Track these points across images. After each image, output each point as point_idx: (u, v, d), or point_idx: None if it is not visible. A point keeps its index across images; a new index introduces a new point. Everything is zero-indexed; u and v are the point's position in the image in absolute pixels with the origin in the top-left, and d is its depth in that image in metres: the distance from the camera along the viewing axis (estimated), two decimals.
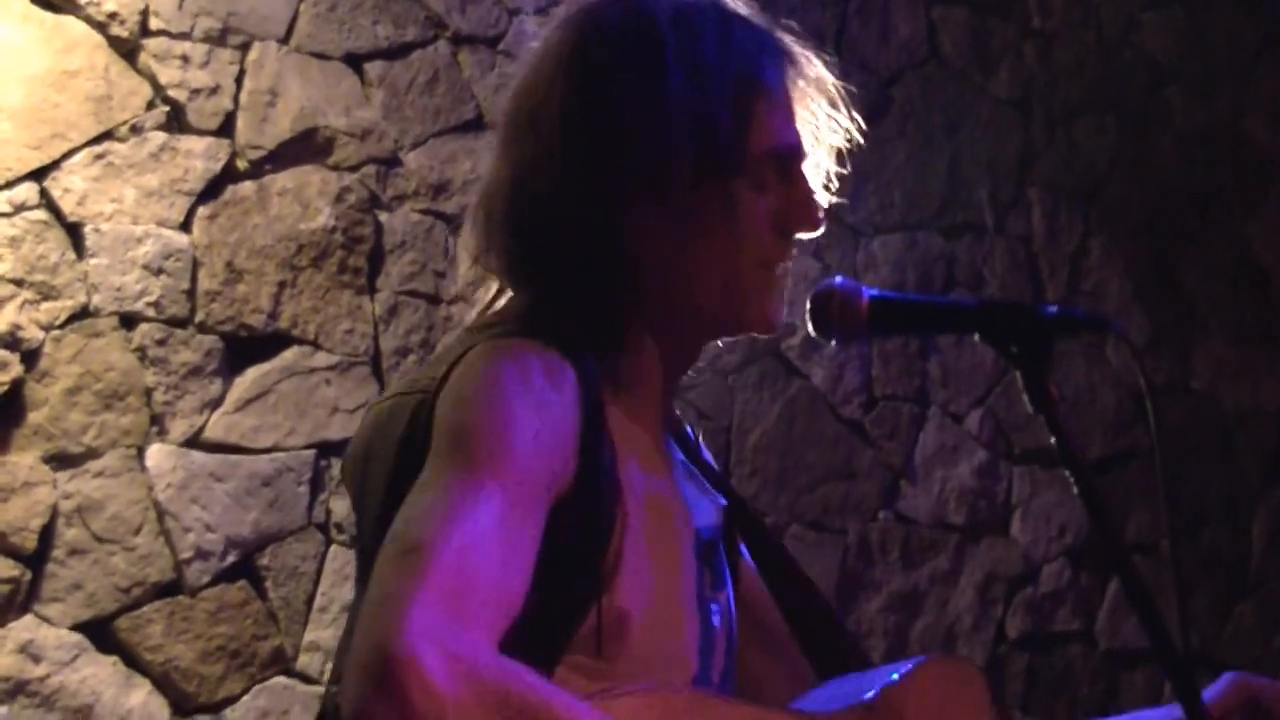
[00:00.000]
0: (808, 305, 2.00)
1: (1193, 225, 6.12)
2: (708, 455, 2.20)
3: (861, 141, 2.16)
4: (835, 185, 2.12)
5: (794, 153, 2.01)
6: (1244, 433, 6.09)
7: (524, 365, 1.79)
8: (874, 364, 5.28)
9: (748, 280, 1.97)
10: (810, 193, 2.03)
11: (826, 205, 2.07)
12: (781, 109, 2.01)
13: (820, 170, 2.09)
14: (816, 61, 2.10)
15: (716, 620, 2.01)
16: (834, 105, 2.10)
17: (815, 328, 2.01)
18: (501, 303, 2.02)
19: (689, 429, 2.19)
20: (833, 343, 2.06)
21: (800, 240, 2.03)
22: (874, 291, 2.00)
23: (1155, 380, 5.82)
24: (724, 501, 2.12)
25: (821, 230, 2.04)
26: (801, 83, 2.06)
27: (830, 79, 2.11)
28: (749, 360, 4.97)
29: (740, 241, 1.95)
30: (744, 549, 2.17)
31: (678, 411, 2.17)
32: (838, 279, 2.02)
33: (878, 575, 5.17)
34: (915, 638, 5.20)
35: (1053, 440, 1.92)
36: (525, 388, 1.76)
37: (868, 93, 5.42)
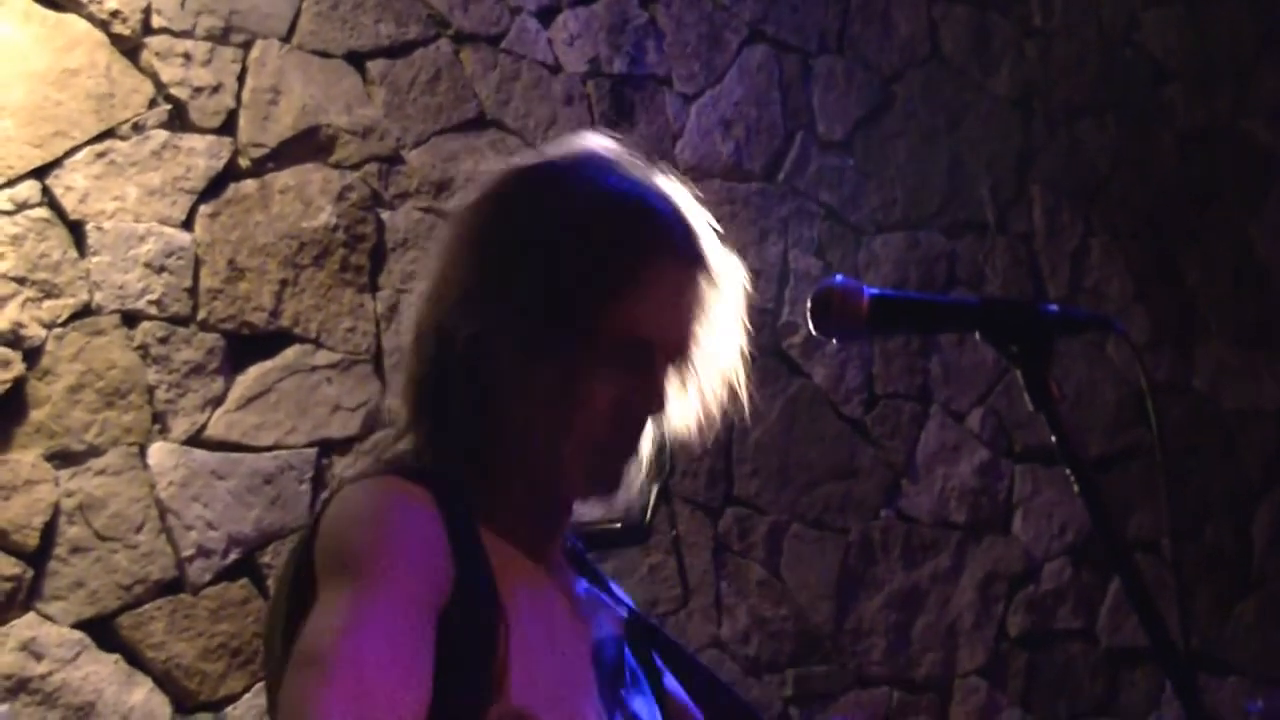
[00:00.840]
0: (808, 304, 2.01)
1: (1194, 224, 6.13)
2: (613, 583, 2.24)
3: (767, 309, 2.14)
4: (736, 385, 2.13)
5: (645, 346, 2.00)
6: (1245, 432, 6.09)
7: (391, 493, 1.90)
8: (875, 362, 5.28)
9: (571, 458, 1.98)
10: (656, 384, 2.02)
11: (717, 408, 2.13)
12: (668, 302, 2.01)
13: (714, 373, 2.11)
14: (733, 266, 2.09)
15: (634, 713, 2.04)
16: (736, 310, 2.09)
17: (816, 326, 2.01)
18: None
19: (597, 568, 2.23)
20: (834, 341, 2.06)
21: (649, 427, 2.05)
22: (874, 290, 1.99)
23: (1156, 379, 5.83)
24: (623, 614, 2.16)
25: (660, 410, 2.05)
26: (705, 285, 2.05)
27: (741, 286, 2.10)
28: (750, 358, 4.96)
29: (571, 420, 1.97)
30: (662, 666, 2.20)
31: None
32: (838, 277, 2.02)
33: (879, 574, 5.17)
34: (916, 636, 5.20)
35: (1054, 439, 1.92)
36: (393, 513, 1.87)
37: (869, 91, 5.44)
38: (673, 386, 2.05)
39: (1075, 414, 5.65)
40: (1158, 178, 6.10)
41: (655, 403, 2.02)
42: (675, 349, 2.03)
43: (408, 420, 2.06)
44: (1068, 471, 1.92)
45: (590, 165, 2.06)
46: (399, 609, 1.74)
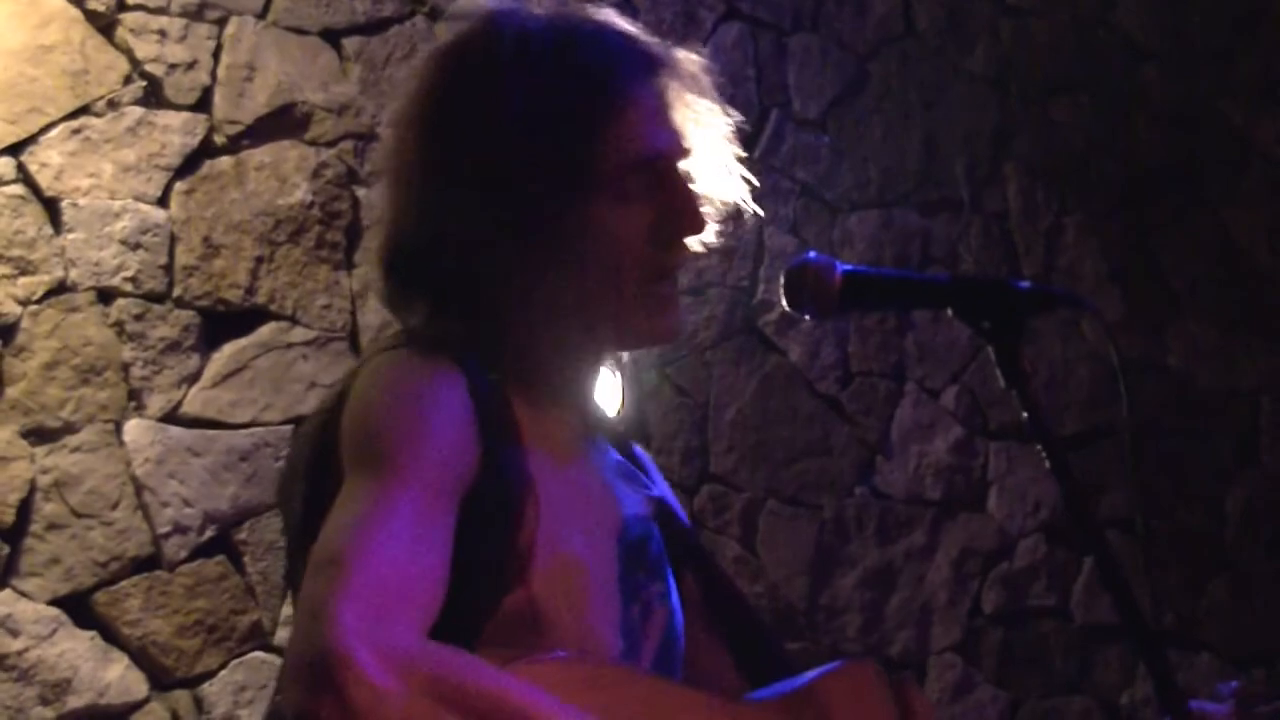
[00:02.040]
0: (782, 280, 2.01)
1: (1170, 205, 6.14)
2: (646, 459, 2.23)
3: (747, 128, 2.13)
4: (735, 172, 2.09)
5: (661, 157, 1.98)
6: (1219, 411, 6.11)
7: (416, 371, 1.87)
8: (851, 340, 5.29)
9: (630, 300, 1.97)
10: (688, 196, 2.00)
11: (728, 198, 2.08)
12: (648, 116, 1.98)
13: (713, 162, 2.06)
14: (692, 58, 2.08)
15: (652, 605, 2.03)
16: (711, 96, 2.07)
17: (789, 302, 2.01)
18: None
19: (633, 445, 2.21)
20: (807, 317, 2.07)
21: (690, 243, 2.01)
22: (847, 266, 1.99)
23: (1130, 358, 5.85)
24: (655, 493, 2.13)
25: (707, 230, 2.02)
26: (675, 83, 2.03)
27: (706, 72, 2.08)
28: (725, 336, 4.98)
29: (613, 262, 1.95)
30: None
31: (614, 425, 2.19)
32: (811, 254, 2.02)
33: (854, 551, 5.18)
34: (891, 613, 5.21)
35: (1025, 415, 1.93)
36: (420, 391, 1.84)
37: (844, 69, 5.44)
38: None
39: (1050, 392, 5.67)
40: (1134, 158, 6.11)
41: (692, 216, 1.99)
42: (681, 153, 2.00)
43: (398, 313, 2.03)
44: (1039, 448, 1.92)
45: (504, 25, 1.99)
46: (421, 503, 1.73)
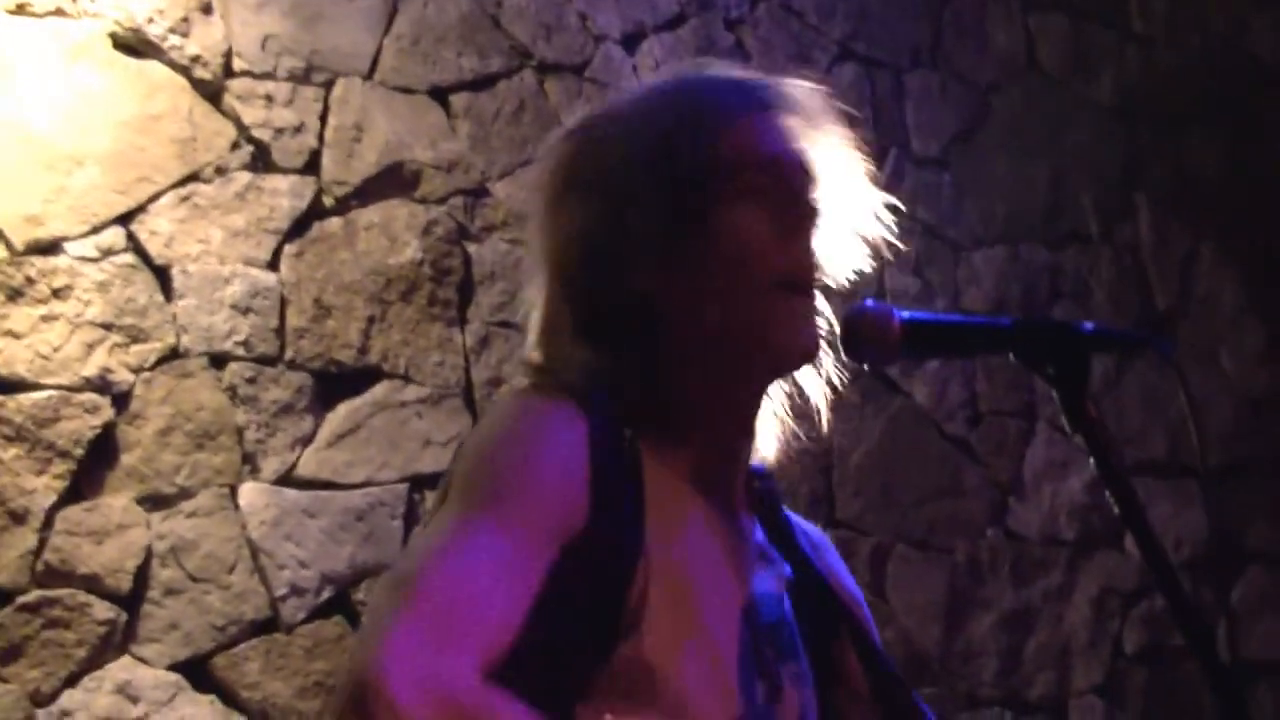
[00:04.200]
0: (838, 329, 1.97)
1: None
2: (803, 528, 2.17)
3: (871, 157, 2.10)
4: (870, 206, 2.07)
5: (777, 159, 1.96)
6: None
7: (534, 411, 1.87)
8: (978, 379, 5.21)
9: (763, 308, 1.93)
10: (801, 193, 1.97)
11: (863, 231, 2.06)
12: (765, 128, 1.98)
13: (844, 193, 2.04)
14: (817, 94, 2.08)
15: (782, 684, 1.98)
16: (837, 125, 2.07)
17: (847, 351, 1.96)
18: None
19: (790, 518, 2.15)
20: (866, 366, 2.03)
21: (819, 255, 1.99)
22: (905, 313, 1.94)
23: (1272, 390, 5.72)
24: (789, 573, 2.08)
25: (842, 261, 2.02)
26: (797, 117, 2.02)
27: (832, 108, 2.09)
28: (850, 378, 4.91)
29: (741, 259, 1.93)
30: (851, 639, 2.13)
31: (770, 484, 2.13)
32: (868, 301, 1.97)
33: (988, 593, 5.10)
34: (1029, 656, 5.12)
35: (1092, 461, 1.87)
36: (533, 431, 1.83)
37: (966, 105, 5.38)
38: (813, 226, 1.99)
39: (1191, 425, 5.56)
40: (1269, 184, 5.98)
41: (804, 209, 1.97)
42: (799, 164, 1.98)
43: (558, 360, 2.00)
44: (1107, 494, 1.86)
45: (625, 90, 2.07)
46: (506, 536, 1.72)
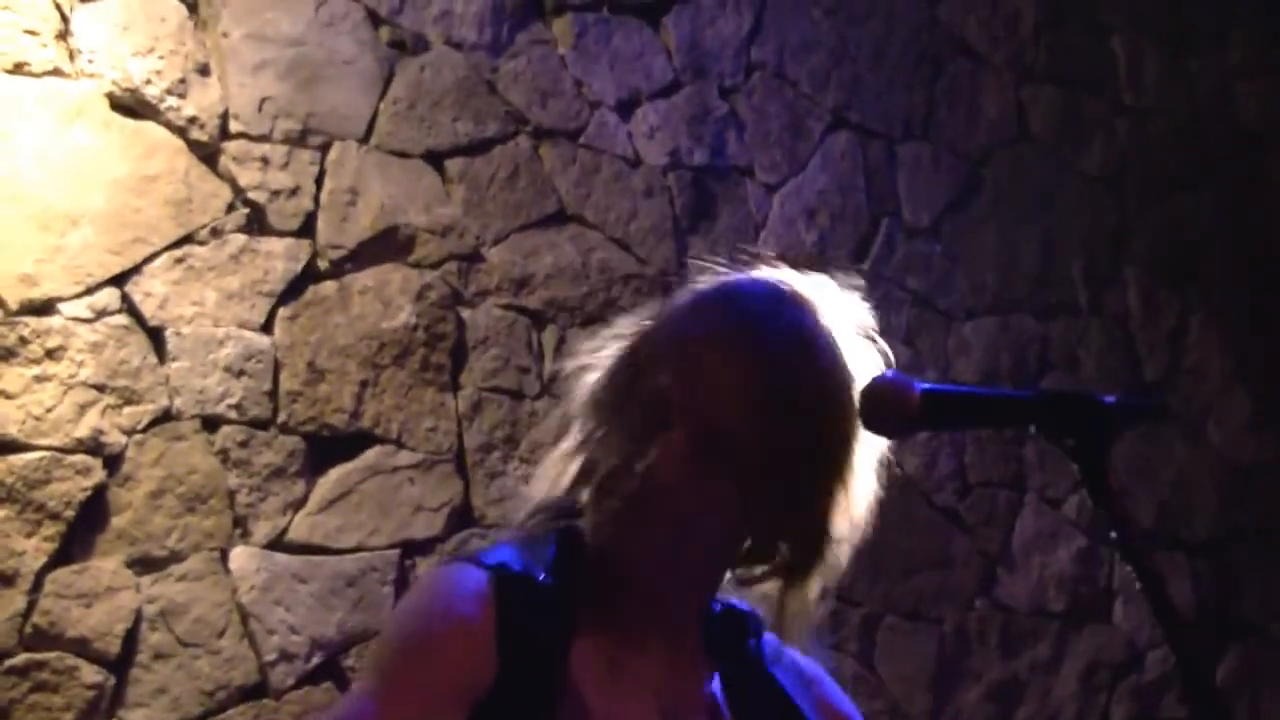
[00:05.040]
0: (858, 400, 1.96)
1: None
2: (794, 666, 2.17)
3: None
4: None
5: (663, 405, 1.99)
6: None
7: (442, 583, 2.01)
8: (968, 450, 5.20)
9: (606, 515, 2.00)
10: (667, 441, 1.97)
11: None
12: (689, 371, 2.00)
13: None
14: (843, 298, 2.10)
15: None
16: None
17: (866, 422, 1.96)
18: None
19: (766, 652, 2.16)
20: (885, 439, 2.02)
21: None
22: (925, 385, 1.94)
23: (1260, 458, 5.73)
24: None
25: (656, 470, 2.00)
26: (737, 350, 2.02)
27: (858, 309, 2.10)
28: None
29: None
30: None
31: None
32: (889, 372, 1.97)
33: (976, 664, 5.08)
34: None
35: (1113, 535, 1.86)
36: (436, 606, 1.96)
37: (956, 175, 5.39)
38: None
39: (1179, 496, 5.56)
40: (1257, 251, 6.00)
41: (657, 462, 1.95)
42: (700, 415, 1.96)
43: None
44: (1128, 568, 1.85)
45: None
46: (397, 705, 1.85)
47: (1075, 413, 1.90)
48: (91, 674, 3.67)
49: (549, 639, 1.94)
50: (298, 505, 3.99)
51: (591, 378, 2.07)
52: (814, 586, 2.09)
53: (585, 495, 2.02)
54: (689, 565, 2.01)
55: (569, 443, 2.06)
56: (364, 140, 4.25)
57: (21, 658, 3.60)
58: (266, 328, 4.01)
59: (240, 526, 3.91)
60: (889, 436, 2.02)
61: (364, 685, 1.92)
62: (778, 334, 2.00)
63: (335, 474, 4.06)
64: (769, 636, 2.13)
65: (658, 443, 1.93)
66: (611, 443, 1.99)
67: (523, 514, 2.12)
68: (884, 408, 1.95)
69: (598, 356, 2.08)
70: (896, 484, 4.93)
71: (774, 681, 2.13)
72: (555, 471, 2.06)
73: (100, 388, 3.77)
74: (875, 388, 1.96)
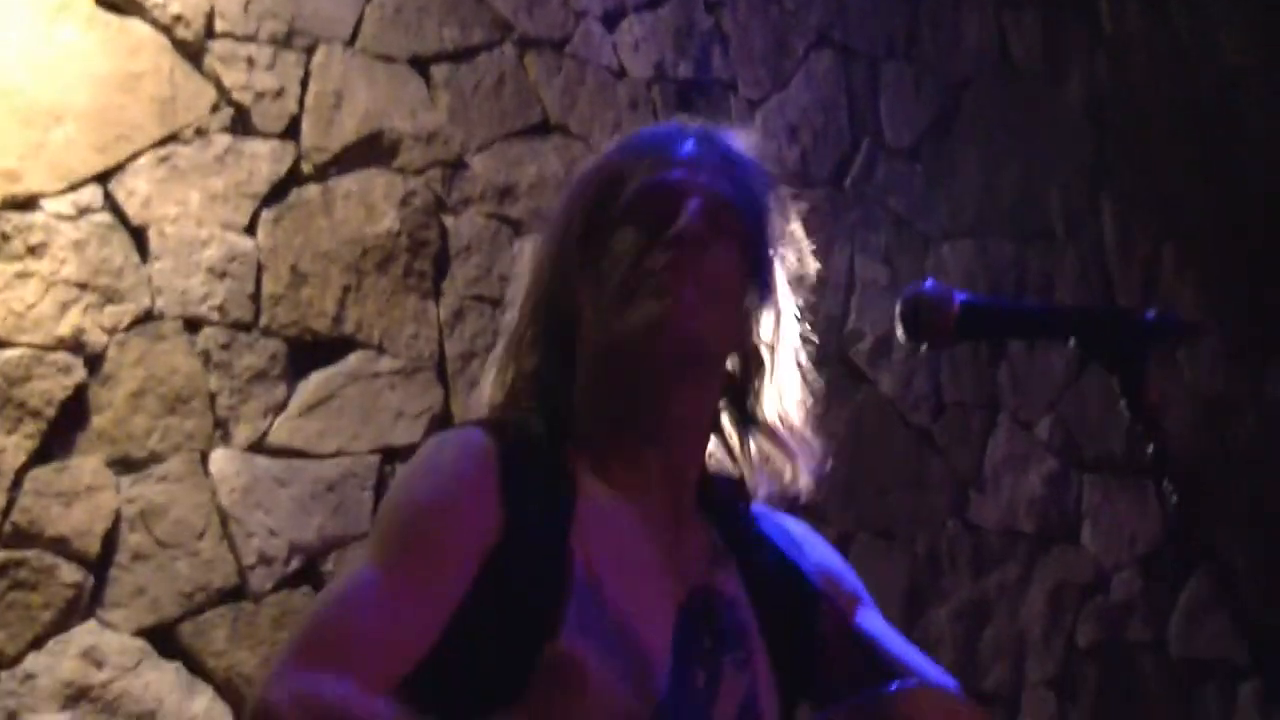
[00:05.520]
0: (898, 309, 1.98)
1: (1270, 234, 6.03)
2: (780, 526, 2.23)
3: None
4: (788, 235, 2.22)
5: (655, 185, 2.10)
6: None
7: (443, 446, 2.05)
8: (944, 370, 5.21)
9: (633, 311, 2.03)
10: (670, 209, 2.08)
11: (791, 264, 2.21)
12: (657, 170, 2.13)
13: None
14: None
15: (722, 672, 2.04)
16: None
17: (905, 333, 1.99)
18: None
19: (756, 512, 2.22)
20: (924, 347, 2.04)
21: (685, 241, 2.06)
22: (965, 296, 1.96)
23: (1230, 390, 5.75)
24: (745, 571, 2.14)
25: (688, 219, 2.07)
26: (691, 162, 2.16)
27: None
28: (816, 366, 4.90)
29: (615, 272, 2.06)
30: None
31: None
32: (929, 283, 1.99)
33: (946, 584, 5.11)
34: (985, 647, 5.13)
35: (1150, 450, 1.87)
36: (438, 466, 2.00)
37: (937, 98, 5.38)
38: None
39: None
40: (1233, 187, 6.01)
41: (678, 225, 2.05)
42: (665, 194, 2.09)
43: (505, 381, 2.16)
44: (1166, 484, 1.86)
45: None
46: (402, 569, 1.89)
47: (1116, 328, 1.91)
48: (71, 573, 3.65)
49: (554, 491, 1.98)
50: (279, 409, 3.97)
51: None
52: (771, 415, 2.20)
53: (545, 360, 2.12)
54: (693, 391, 2.09)
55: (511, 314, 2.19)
56: (350, 43, 4.22)
57: (1, 555, 3.59)
58: (250, 230, 3.99)
59: (221, 429, 3.89)
60: (929, 346, 2.04)
61: (366, 554, 1.94)
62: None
63: (316, 378, 4.04)
64: (755, 505, 2.21)
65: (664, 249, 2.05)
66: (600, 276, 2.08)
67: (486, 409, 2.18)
68: (923, 318, 1.97)
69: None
70: (872, 403, 4.98)
71: (768, 539, 2.19)
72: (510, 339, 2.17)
73: (82, 286, 3.74)
74: (916, 298, 1.98)
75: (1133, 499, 5.49)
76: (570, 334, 2.11)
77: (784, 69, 5.06)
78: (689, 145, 2.16)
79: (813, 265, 2.24)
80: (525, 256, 2.25)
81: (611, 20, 4.72)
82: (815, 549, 2.25)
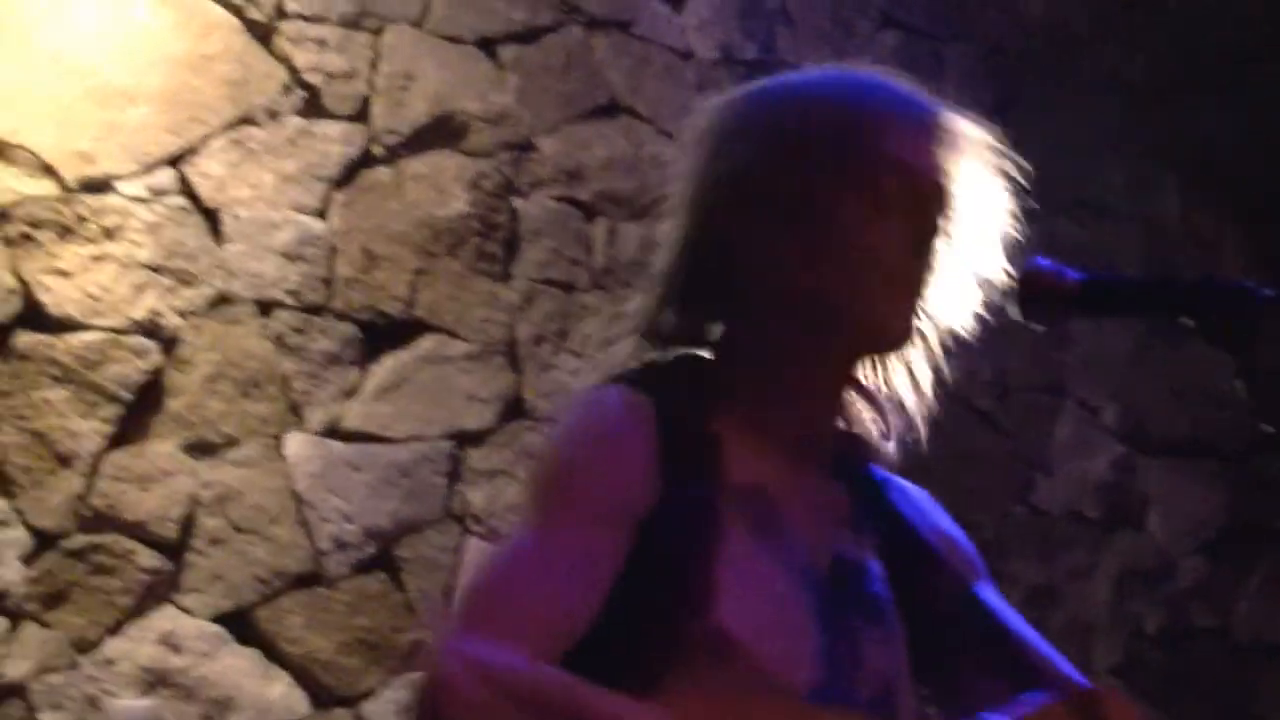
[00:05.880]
0: (1015, 286, 1.95)
1: None
2: (905, 491, 2.19)
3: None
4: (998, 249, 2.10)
5: (911, 166, 1.97)
6: None
7: (599, 407, 1.95)
8: (1008, 354, 5.17)
9: (859, 287, 1.94)
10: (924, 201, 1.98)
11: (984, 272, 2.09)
12: (907, 139, 2.00)
13: (977, 231, 2.08)
14: (973, 128, 2.13)
15: (862, 645, 1.96)
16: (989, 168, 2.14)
17: (1022, 311, 1.95)
18: None
19: (883, 475, 2.17)
20: (1038, 326, 2.00)
21: (929, 246, 1.98)
22: (1080, 273, 1.93)
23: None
24: (880, 538, 2.08)
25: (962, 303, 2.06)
26: (948, 139, 2.06)
27: (989, 147, 2.16)
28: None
29: (848, 248, 1.95)
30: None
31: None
32: (1041, 260, 1.96)
33: (1012, 569, 5.06)
34: (1052, 633, 5.07)
35: (1266, 428, 1.84)
36: (597, 429, 1.92)
37: (1001, 78, 5.35)
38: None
39: (1213, 404, 5.54)
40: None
41: (925, 223, 1.97)
42: (924, 181, 1.98)
43: (651, 319, 2.05)
44: None
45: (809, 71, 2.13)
46: (565, 535, 1.81)
47: (1231, 305, 1.87)
48: (148, 558, 3.64)
49: (704, 457, 1.91)
50: (352, 392, 3.95)
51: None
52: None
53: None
54: (832, 377, 2.02)
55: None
56: (418, 25, 4.18)
57: (79, 540, 3.57)
58: (322, 213, 3.96)
59: (295, 413, 3.86)
60: (1045, 323, 2.00)
61: (524, 519, 1.87)
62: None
63: (389, 362, 4.01)
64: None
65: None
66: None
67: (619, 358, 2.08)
68: (1041, 295, 1.94)
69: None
70: (938, 389, 4.91)
71: (892, 503, 2.14)
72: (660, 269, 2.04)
73: (157, 269, 3.72)
74: (1032, 274, 1.95)
75: (1198, 484, 5.44)
76: (726, 278, 1.99)
77: (848, 50, 5.00)
78: (937, 117, 2.06)
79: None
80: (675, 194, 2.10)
81: (677, 0, 4.68)
82: (935, 514, 2.22)
